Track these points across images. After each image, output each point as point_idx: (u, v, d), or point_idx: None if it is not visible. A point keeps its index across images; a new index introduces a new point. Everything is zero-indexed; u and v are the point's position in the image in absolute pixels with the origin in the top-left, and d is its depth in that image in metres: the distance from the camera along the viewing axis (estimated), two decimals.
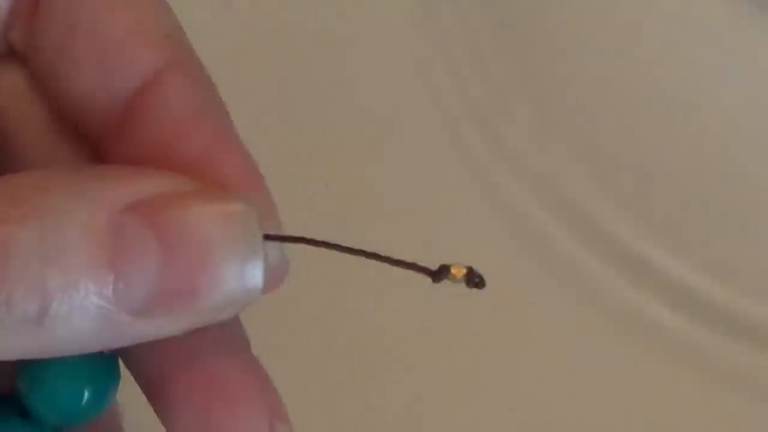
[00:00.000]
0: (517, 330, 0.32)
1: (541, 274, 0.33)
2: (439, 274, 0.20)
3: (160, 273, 0.18)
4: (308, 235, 0.21)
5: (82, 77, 0.21)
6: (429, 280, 0.33)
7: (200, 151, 0.20)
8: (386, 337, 0.32)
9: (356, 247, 0.20)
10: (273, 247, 0.20)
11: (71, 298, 0.18)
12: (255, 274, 0.19)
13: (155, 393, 0.20)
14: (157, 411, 0.21)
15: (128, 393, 0.21)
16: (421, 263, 0.29)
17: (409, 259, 0.31)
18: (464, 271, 0.20)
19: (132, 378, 0.21)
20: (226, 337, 0.20)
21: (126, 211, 0.18)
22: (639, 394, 0.32)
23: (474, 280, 0.20)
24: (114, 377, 0.20)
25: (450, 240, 0.33)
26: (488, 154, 0.34)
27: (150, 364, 0.20)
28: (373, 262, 0.20)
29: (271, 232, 0.20)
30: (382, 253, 0.20)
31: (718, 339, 0.32)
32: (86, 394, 0.20)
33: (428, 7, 0.36)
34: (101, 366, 0.20)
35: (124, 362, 0.21)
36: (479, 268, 0.33)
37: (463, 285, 0.20)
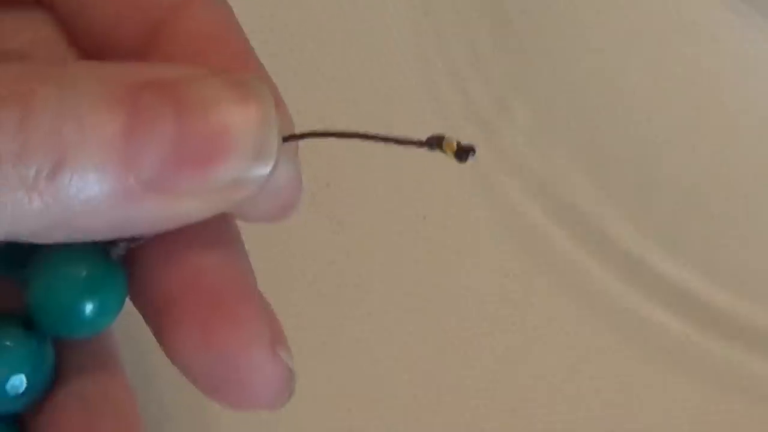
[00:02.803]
0: (517, 331, 0.32)
1: (540, 275, 0.33)
2: (433, 143, 0.20)
3: (174, 142, 0.18)
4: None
5: (112, 8, 0.21)
6: (429, 282, 0.33)
7: (223, 68, 0.20)
8: (386, 339, 0.32)
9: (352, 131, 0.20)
10: (287, 161, 0.20)
11: (86, 155, 0.18)
12: (268, 153, 0.19)
13: (157, 317, 0.20)
14: (158, 336, 0.20)
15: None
16: (422, 263, 0.30)
17: (408, 260, 0.31)
18: (455, 144, 0.20)
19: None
20: (229, 262, 0.20)
21: (143, 85, 0.18)
22: (639, 397, 0.32)
23: (463, 154, 0.20)
24: (120, 290, 0.20)
25: (449, 240, 0.33)
26: (488, 154, 0.34)
27: (153, 285, 0.20)
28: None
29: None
30: (382, 135, 0.20)
31: (718, 342, 0.32)
32: (91, 305, 0.20)
33: (428, 7, 0.36)
34: (108, 278, 0.20)
35: (129, 291, 0.21)
36: (478, 269, 0.33)
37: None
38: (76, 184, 0.18)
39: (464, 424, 0.31)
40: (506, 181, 0.34)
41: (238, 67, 0.21)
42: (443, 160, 0.34)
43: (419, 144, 0.20)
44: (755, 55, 0.36)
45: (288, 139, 0.20)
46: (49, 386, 0.21)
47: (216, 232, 0.21)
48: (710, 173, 0.34)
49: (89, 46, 0.22)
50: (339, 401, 0.31)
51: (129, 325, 0.21)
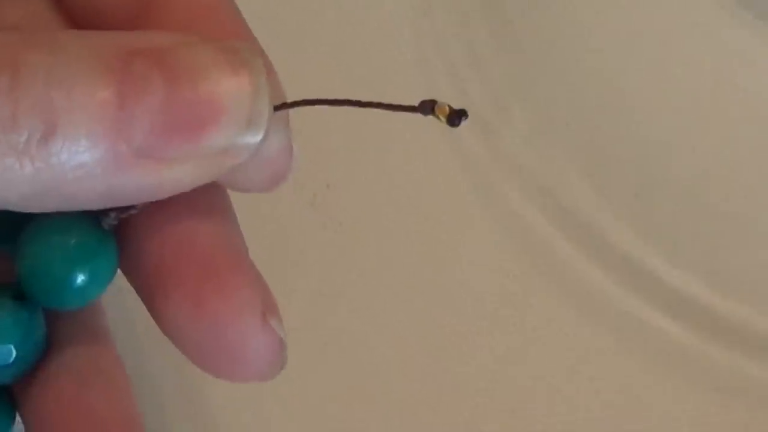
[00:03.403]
0: (516, 332, 0.32)
1: (539, 276, 0.33)
2: (425, 108, 0.20)
3: (165, 108, 0.18)
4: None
5: None
6: (428, 283, 0.33)
7: (215, 37, 0.20)
8: (386, 339, 0.32)
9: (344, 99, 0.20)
10: (279, 131, 0.20)
11: (77, 121, 0.18)
12: (259, 121, 0.19)
13: (148, 287, 0.20)
14: (149, 306, 0.20)
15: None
16: (421, 263, 0.30)
17: (408, 261, 0.31)
18: (447, 109, 0.20)
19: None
20: (221, 231, 0.20)
21: (134, 53, 0.18)
22: (638, 398, 0.32)
23: (455, 119, 0.20)
24: (111, 260, 0.20)
25: (449, 241, 0.33)
26: (487, 156, 0.34)
27: (144, 254, 0.20)
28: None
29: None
30: (376, 102, 0.20)
31: (717, 345, 0.32)
32: (81, 275, 0.20)
33: (428, 7, 0.36)
34: (99, 247, 0.20)
35: (120, 261, 0.21)
36: (478, 270, 0.33)
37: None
38: (68, 150, 0.18)
39: (464, 424, 0.31)
40: (505, 182, 0.34)
41: (230, 38, 0.20)
42: (443, 160, 0.34)
43: (412, 109, 0.20)
44: (755, 56, 0.36)
45: (279, 107, 0.20)
46: (39, 357, 0.21)
47: (207, 202, 0.21)
48: (710, 175, 0.34)
49: (82, 19, 0.22)
50: (339, 401, 0.31)
51: (123, 304, 0.21)
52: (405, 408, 0.31)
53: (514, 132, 0.34)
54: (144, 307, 0.21)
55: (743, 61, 0.36)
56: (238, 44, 0.19)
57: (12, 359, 0.20)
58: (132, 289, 0.21)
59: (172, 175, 0.19)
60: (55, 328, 0.21)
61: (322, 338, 0.31)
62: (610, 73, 0.35)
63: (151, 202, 0.20)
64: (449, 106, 0.20)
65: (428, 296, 0.32)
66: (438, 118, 0.20)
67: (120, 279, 0.21)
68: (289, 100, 0.20)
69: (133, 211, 0.20)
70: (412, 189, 0.34)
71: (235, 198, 0.22)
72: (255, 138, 0.19)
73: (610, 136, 0.35)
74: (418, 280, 0.32)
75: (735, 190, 0.34)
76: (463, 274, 0.33)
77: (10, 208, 0.18)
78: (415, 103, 0.20)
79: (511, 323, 0.32)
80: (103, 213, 0.20)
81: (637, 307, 0.32)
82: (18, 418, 0.21)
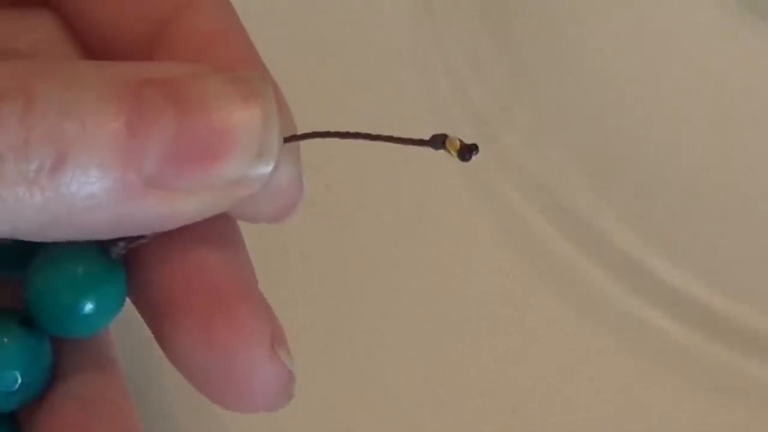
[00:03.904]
0: (516, 332, 0.32)
1: (540, 276, 0.33)
2: (436, 142, 0.20)
3: (175, 139, 0.18)
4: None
5: (116, 8, 0.21)
6: (428, 283, 0.33)
7: (226, 67, 0.20)
8: (386, 339, 0.32)
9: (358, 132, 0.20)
10: (288, 162, 0.20)
11: (88, 151, 0.18)
12: (270, 153, 0.19)
13: (157, 317, 0.20)
14: (158, 336, 0.20)
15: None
16: (421, 263, 0.30)
17: (408, 262, 0.31)
18: (458, 144, 0.20)
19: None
20: (230, 261, 0.20)
21: (146, 83, 0.18)
22: (638, 399, 0.32)
23: (466, 153, 0.20)
24: (119, 289, 0.20)
25: (449, 241, 0.33)
26: (487, 155, 0.34)
27: (153, 284, 0.20)
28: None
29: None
30: (385, 135, 0.20)
31: (717, 345, 0.32)
32: (89, 304, 0.20)
33: (428, 7, 0.36)
34: (107, 276, 0.20)
35: (128, 290, 0.21)
36: (478, 270, 0.33)
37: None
38: (78, 180, 0.18)
39: (464, 424, 0.31)
40: (506, 182, 0.34)
41: (241, 68, 0.21)
42: (443, 161, 0.34)
43: (422, 143, 0.20)
44: (756, 56, 0.36)
45: (289, 139, 0.20)
46: (45, 385, 0.21)
47: (217, 232, 0.21)
48: (710, 175, 0.34)
49: (95, 45, 0.22)
50: (338, 401, 0.31)
51: (130, 329, 0.21)
52: (405, 407, 0.31)
53: (514, 132, 0.34)
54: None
55: (744, 60, 0.36)
56: (249, 75, 0.19)
57: (17, 386, 0.20)
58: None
59: (182, 205, 0.19)
60: (63, 356, 0.21)
61: (322, 339, 0.31)
62: (610, 72, 0.35)
63: (161, 232, 0.20)
64: (460, 140, 0.20)
65: (428, 296, 0.32)
66: (449, 152, 0.20)
67: (130, 308, 0.21)
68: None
69: (142, 241, 0.20)
70: (412, 189, 0.34)
71: None
72: (265, 169, 0.19)
73: (610, 136, 0.35)
74: (417, 281, 0.32)
75: (735, 189, 0.34)
76: (463, 275, 0.33)
77: (20, 237, 0.18)
78: (426, 136, 0.20)
79: (511, 323, 0.32)
80: (112, 242, 0.20)
81: (637, 307, 0.32)
82: None
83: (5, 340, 0.20)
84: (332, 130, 0.20)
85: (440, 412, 0.31)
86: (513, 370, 0.32)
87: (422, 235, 0.33)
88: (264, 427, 0.30)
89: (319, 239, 0.33)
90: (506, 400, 0.31)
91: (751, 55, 0.36)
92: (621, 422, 0.31)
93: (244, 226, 0.22)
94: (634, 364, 0.32)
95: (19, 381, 0.20)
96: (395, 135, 0.20)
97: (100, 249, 0.20)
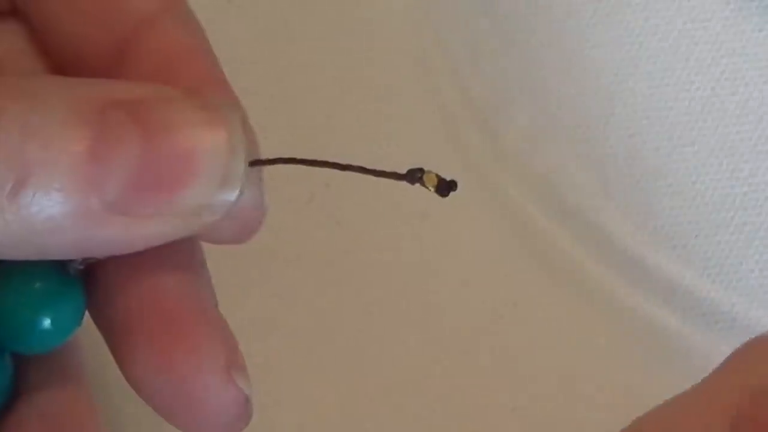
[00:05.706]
0: (517, 331, 0.32)
1: (541, 274, 0.33)
2: (413, 177, 0.20)
3: (139, 164, 0.18)
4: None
5: (81, 22, 0.21)
6: (428, 282, 0.33)
7: (190, 86, 0.20)
8: (386, 339, 0.32)
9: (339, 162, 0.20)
10: (252, 185, 0.20)
11: (49, 174, 0.17)
12: (234, 180, 0.19)
13: (114, 336, 0.20)
14: (115, 355, 0.20)
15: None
16: (421, 263, 0.29)
17: (407, 261, 0.31)
18: (436, 179, 0.20)
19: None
20: (189, 284, 0.20)
21: (111, 105, 0.18)
22: (640, 395, 0.31)
23: (444, 189, 0.20)
24: (77, 306, 0.20)
25: (449, 240, 0.33)
26: (488, 154, 0.34)
27: (111, 303, 0.20)
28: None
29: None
30: (358, 166, 0.20)
31: (720, 346, 0.32)
32: (47, 320, 0.20)
33: (428, 7, 0.36)
34: (64, 293, 0.20)
35: (89, 309, 0.21)
36: (478, 269, 0.33)
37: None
38: (38, 203, 0.17)
39: (464, 423, 0.31)
40: (506, 181, 0.34)
41: (205, 86, 0.20)
42: (443, 159, 0.34)
43: (398, 177, 0.20)
44: (756, 54, 0.36)
45: (254, 164, 0.20)
46: (6, 401, 0.20)
47: (177, 253, 0.20)
48: (711, 172, 0.34)
49: (61, 57, 0.22)
50: (338, 401, 0.31)
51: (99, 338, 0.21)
52: (403, 407, 0.31)
53: (514, 130, 0.34)
54: None
55: (744, 57, 0.36)
56: (216, 100, 0.19)
57: None
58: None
59: (144, 231, 0.18)
60: (28, 372, 0.21)
61: (319, 337, 0.31)
62: (611, 70, 0.35)
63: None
64: (437, 175, 0.20)
65: (427, 296, 0.32)
66: (426, 187, 0.20)
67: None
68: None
69: (100, 257, 0.20)
70: (412, 188, 0.33)
71: None
72: (230, 197, 0.19)
73: (611, 134, 0.35)
74: (417, 280, 0.32)
75: (736, 186, 0.34)
76: (463, 273, 0.33)
77: None
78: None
79: (512, 321, 0.32)
80: (70, 259, 0.20)
81: (640, 305, 0.32)
82: None
83: None
84: (301, 157, 0.20)
85: (439, 411, 0.31)
86: (512, 369, 0.32)
87: (422, 233, 0.33)
88: (259, 427, 0.30)
89: (317, 238, 0.33)
90: (506, 400, 0.31)
91: (752, 51, 0.36)
92: (621, 422, 0.31)
93: None
94: (634, 363, 0.32)
95: None
96: (372, 166, 0.20)
97: (58, 265, 0.20)
